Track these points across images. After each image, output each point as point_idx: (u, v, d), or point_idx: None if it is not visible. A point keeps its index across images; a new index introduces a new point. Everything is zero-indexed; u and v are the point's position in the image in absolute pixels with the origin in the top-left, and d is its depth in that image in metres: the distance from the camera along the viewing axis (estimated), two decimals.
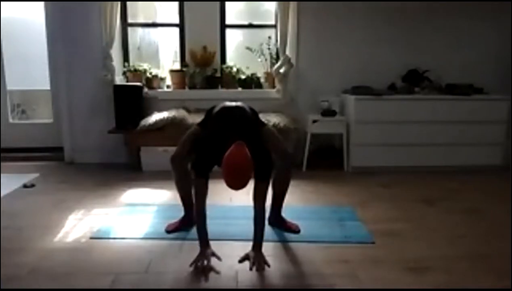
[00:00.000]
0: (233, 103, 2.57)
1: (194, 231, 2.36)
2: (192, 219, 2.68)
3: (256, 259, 2.29)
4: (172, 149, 2.68)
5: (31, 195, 3.49)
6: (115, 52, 4.41)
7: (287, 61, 4.37)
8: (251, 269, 2.25)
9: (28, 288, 2.10)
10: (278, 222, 2.80)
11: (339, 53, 4.50)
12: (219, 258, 2.32)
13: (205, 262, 2.25)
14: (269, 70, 4.57)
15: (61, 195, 3.47)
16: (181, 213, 2.82)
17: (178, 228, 2.75)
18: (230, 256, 2.38)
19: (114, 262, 2.35)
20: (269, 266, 2.27)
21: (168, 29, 4.71)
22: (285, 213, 2.83)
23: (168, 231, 2.73)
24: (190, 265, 2.25)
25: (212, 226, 2.36)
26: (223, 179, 2.10)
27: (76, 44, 4.39)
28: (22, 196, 3.48)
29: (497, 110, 4.21)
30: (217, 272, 2.22)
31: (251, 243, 2.35)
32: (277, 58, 4.49)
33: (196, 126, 2.64)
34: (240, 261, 2.33)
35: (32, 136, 4.79)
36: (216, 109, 2.55)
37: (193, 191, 2.42)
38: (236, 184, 2.10)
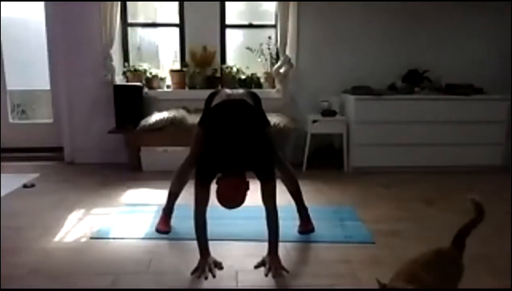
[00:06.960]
0: (234, 93, 2.49)
1: (194, 231, 2.34)
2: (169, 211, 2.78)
3: (271, 264, 2.22)
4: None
5: (31, 195, 3.49)
6: (115, 52, 4.41)
7: (287, 61, 4.37)
8: (266, 275, 2.19)
9: (28, 288, 2.10)
10: (306, 224, 2.75)
11: (339, 53, 4.50)
12: (221, 267, 2.26)
13: (208, 274, 2.18)
14: (269, 70, 4.56)
15: (61, 195, 3.47)
16: (181, 213, 2.81)
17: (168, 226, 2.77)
18: (230, 256, 2.38)
19: (114, 262, 2.35)
20: (287, 272, 2.21)
21: (168, 29, 4.71)
22: (285, 213, 2.82)
23: (159, 230, 2.73)
24: (192, 274, 2.19)
25: (212, 226, 2.34)
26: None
27: (76, 44, 4.39)
28: (22, 196, 3.48)
29: (497, 110, 4.21)
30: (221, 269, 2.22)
31: (251, 243, 2.35)
32: (277, 58, 4.49)
33: (198, 127, 2.50)
34: (256, 267, 2.26)
35: (32, 136, 4.78)
36: (215, 102, 2.42)
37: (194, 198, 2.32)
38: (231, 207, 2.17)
